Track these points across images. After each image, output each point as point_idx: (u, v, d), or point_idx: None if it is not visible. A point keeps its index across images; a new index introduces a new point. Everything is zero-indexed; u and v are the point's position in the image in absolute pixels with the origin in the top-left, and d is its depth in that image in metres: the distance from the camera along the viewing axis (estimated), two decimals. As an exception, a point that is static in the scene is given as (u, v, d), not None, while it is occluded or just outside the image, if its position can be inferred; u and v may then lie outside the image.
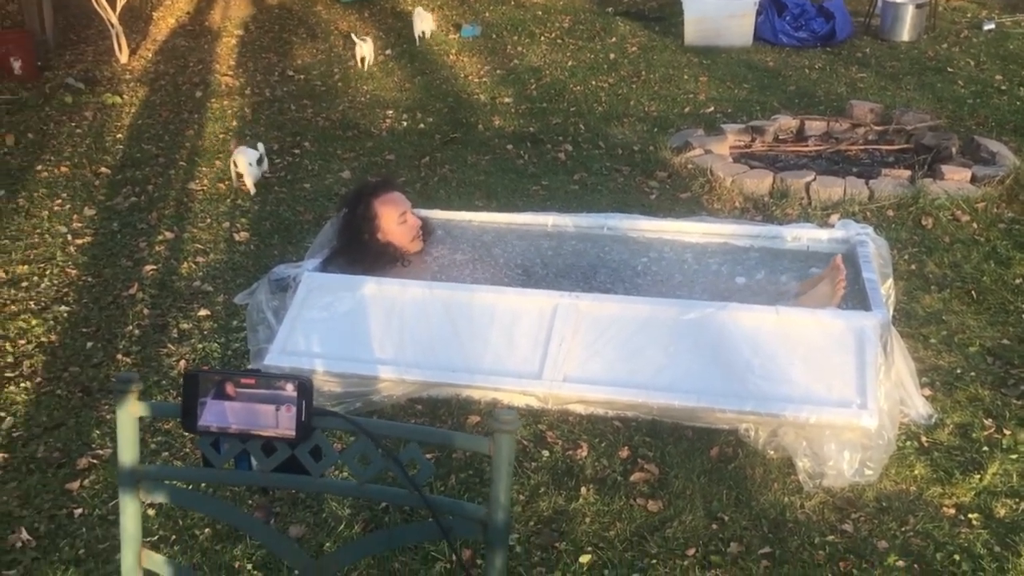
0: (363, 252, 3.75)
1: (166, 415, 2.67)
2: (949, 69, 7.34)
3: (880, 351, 3.00)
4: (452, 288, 3.48)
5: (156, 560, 1.65)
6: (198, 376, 1.47)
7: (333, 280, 3.57)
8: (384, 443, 1.48)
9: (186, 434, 3.10)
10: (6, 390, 3.47)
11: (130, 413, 1.55)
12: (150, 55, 8.35)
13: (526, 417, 3.19)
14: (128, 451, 1.56)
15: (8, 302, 4.09)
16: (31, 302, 4.09)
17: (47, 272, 4.37)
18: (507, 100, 7.00)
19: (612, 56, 8.04)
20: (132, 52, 8.24)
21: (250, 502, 2.86)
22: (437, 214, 4.21)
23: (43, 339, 3.81)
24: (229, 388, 1.47)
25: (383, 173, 5.53)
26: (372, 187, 3.92)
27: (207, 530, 2.74)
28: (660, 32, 8.69)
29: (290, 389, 1.46)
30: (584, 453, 3.03)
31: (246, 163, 5.25)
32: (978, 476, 2.88)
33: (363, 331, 3.38)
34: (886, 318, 3.14)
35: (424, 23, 8.58)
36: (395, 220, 3.80)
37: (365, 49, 7.85)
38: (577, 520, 2.76)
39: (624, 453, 3.03)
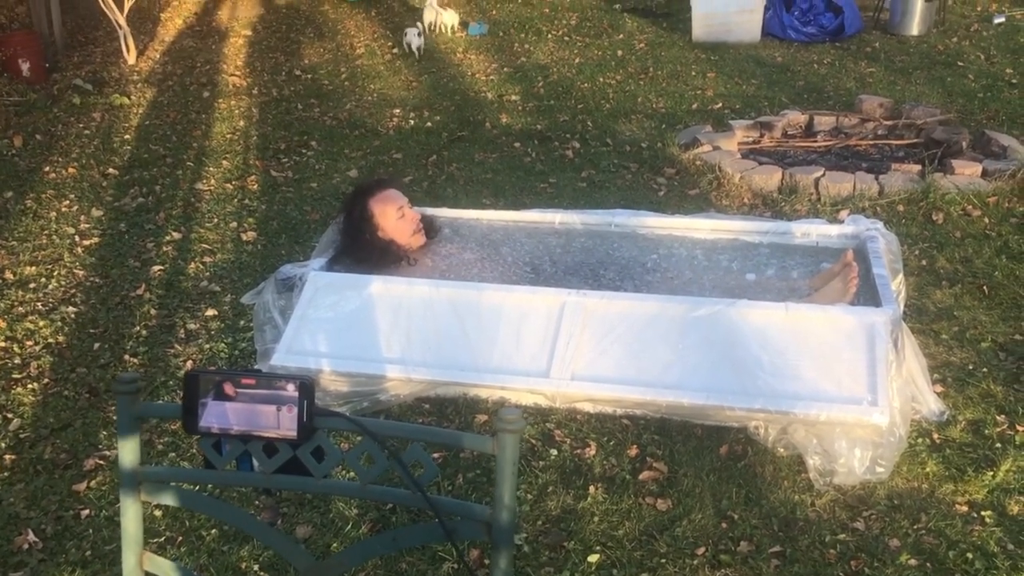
0: (367, 252, 3.74)
1: (167, 416, 2.64)
2: (959, 63, 7.28)
3: (891, 347, 2.96)
4: (459, 286, 3.46)
5: (158, 563, 1.63)
6: (199, 377, 1.46)
7: (339, 279, 3.56)
8: (389, 443, 1.46)
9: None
10: (13, 391, 3.46)
11: (131, 414, 1.53)
12: (158, 56, 8.36)
13: (534, 416, 3.17)
14: (129, 452, 1.54)
15: (16, 303, 4.09)
16: (39, 303, 4.09)
17: (55, 273, 4.37)
18: (514, 98, 6.98)
19: (620, 53, 8.01)
20: (140, 53, 8.25)
21: (257, 503, 2.85)
22: (444, 212, 4.19)
23: (50, 340, 3.80)
24: (229, 389, 1.45)
25: (381, 172, 5.52)
26: (367, 187, 3.93)
27: (213, 531, 2.73)
28: (668, 28, 8.66)
29: (291, 389, 1.44)
30: (592, 452, 3.01)
31: (415, 33, 7.87)
32: (991, 473, 2.84)
33: (370, 330, 3.36)
34: (897, 314, 3.11)
35: (437, 16, 8.62)
36: (393, 216, 3.79)
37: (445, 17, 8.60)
38: (586, 519, 2.74)
39: (633, 451, 3.00)
